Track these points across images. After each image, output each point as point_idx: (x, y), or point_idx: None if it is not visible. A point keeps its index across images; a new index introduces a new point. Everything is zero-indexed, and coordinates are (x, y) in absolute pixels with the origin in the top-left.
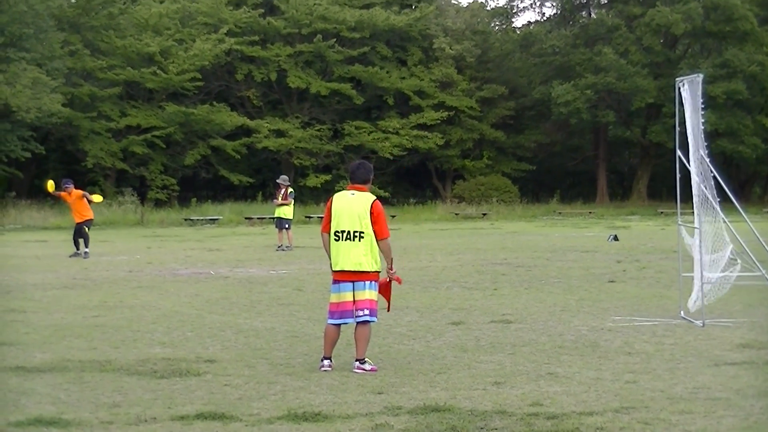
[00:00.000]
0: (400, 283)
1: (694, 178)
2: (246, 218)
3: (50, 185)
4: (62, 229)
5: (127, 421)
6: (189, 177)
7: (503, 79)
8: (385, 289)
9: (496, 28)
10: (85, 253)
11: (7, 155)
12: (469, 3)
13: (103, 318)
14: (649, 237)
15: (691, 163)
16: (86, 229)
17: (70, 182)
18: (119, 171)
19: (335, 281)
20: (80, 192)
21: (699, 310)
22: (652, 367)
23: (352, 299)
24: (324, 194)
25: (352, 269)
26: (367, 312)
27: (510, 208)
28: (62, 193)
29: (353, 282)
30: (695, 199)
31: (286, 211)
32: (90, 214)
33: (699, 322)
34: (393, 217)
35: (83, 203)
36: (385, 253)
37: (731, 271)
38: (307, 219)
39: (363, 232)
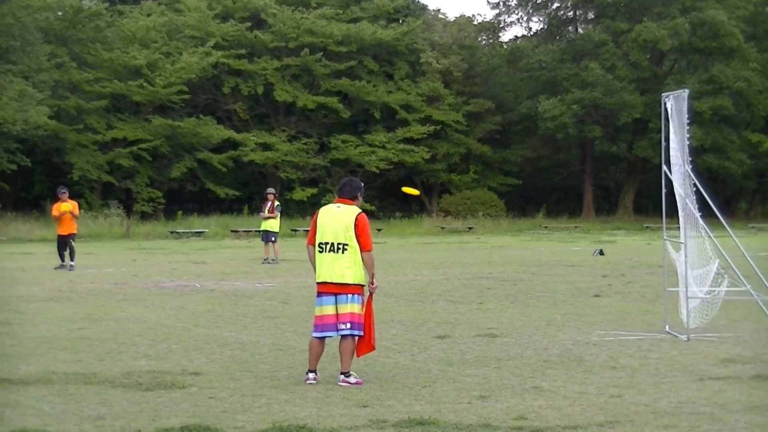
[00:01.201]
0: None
1: (679, 193)
2: (232, 231)
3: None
4: (48, 241)
5: None
6: (175, 190)
7: (490, 93)
8: (367, 321)
9: (483, 42)
10: (71, 266)
11: None
12: (456, 17)
13: (89, 330)
14: (634, 252)
15: (675, 178)
16: (72, 242)
17: (65, 189)
18: (105, 184)
19: (318, 294)
20: (75, 205)
21: (683, 325)
22: (636, 382)
23: (334, 313)
24: (310, 207)
25: (335, 281)
26: (349, 325)
27: (496, 222)
28: (58, 206)
29: (336, 295)
30: (681, 214)
31: (273, 225)
32: (74, 228)
33: (684, 337)
34: (379, 230)
35: (71, 216)
36: (368, 265)
37: (718, 286)
38: (293, 232)
39: (347, 245)
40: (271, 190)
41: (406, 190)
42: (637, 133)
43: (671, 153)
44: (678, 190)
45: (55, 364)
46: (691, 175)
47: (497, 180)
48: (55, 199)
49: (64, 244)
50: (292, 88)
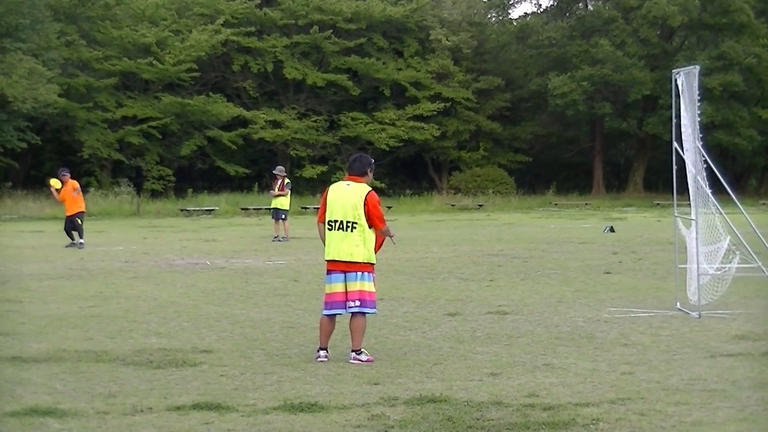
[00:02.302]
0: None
1: (690, 170)
2: (242, 209)
3: (54, 183)
4: (58, 219)
5: (123, 411)
6: (185, 168)
7: (500, 70)
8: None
9: (493, 19)
10: (80, 243)
11: (3, 145)
12: None
13: (99, 308)
14: (645, 228)
15: (686, 154)
16: (79, 221)
17: (66, 171)
18: (115, 161)
19: (328, 272)
20: (75, 184)
21: (695, 302)
22: (648, 359)
23: (343, 290)
24: (320, 185)
25: (344, 259)
26: (358, 303)
27: (506, 199)
28: (58, 188)
29: (345, 273)
30: (691, 190)
31: (283, 202)
32: (82, 207)
33: (695, 314)
34: (389, 208)
35: (77, 195)
36: (386, 232)
37: (730, 263)
38: (304, 210)
39: (356, 223)
40: (280, 167)
41: None
42: (647, 110)
43: (682, 130)
44: (689, 166)
45: (66, 342)
46: (702, 151)
47: (507, 157)
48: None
49: (71, 223)
50: (301, 65)
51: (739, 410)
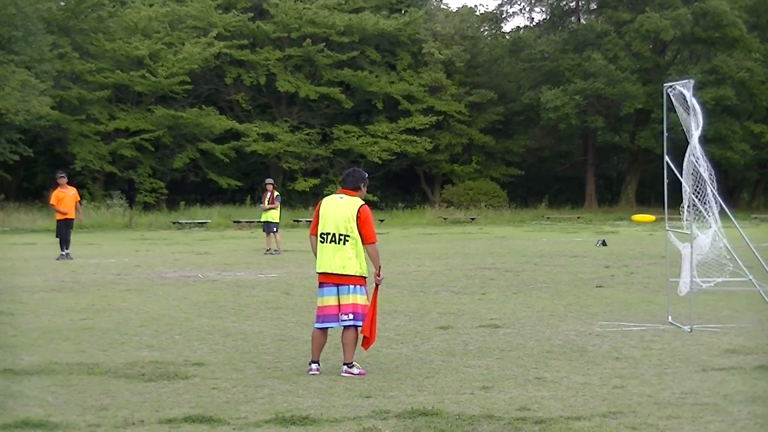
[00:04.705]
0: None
1: (685, 188)
2: (234, 222)
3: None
4: (50, 231)
5: (115, 424)
6: (177, 180)
7: (492, 84)
8: (371, 313)
9: (486, 33)
10: (67, 254)
11: None
12: (459, 8)
13: (91, 321)
14: (637, 242)
15: (684, 167)
16: (70, 229)
17: (63, 173)
18: (108, 174)
19: (320, 285)
20: (77, 196)
21: (687, 315)
22: (639, 372)
23: (335, 303)
24: (312, 198)
25: (336, 272)
26: (351, 316)
27: (498, 212)
28: (56, 193)
29: (338, 286)
30: (686, 204)
31: (274, 215)
32: (73, 215)
33: (687, 328)
34: (381, 221)
35: (74, 203)
36: (373, 257)
37: (721, 275)
38: (296, 223)
39: (348, 236)
40: (270, 180)
41: (638, 218)
42: (639, 124)
43: (692, 143)
44: (684, 183)
45: (57, 355)
46: (695, 164)
47: (499, 170)
48: (56, 186)
49: (66, 227)
50: (294, 78)
51: (731, 424)
